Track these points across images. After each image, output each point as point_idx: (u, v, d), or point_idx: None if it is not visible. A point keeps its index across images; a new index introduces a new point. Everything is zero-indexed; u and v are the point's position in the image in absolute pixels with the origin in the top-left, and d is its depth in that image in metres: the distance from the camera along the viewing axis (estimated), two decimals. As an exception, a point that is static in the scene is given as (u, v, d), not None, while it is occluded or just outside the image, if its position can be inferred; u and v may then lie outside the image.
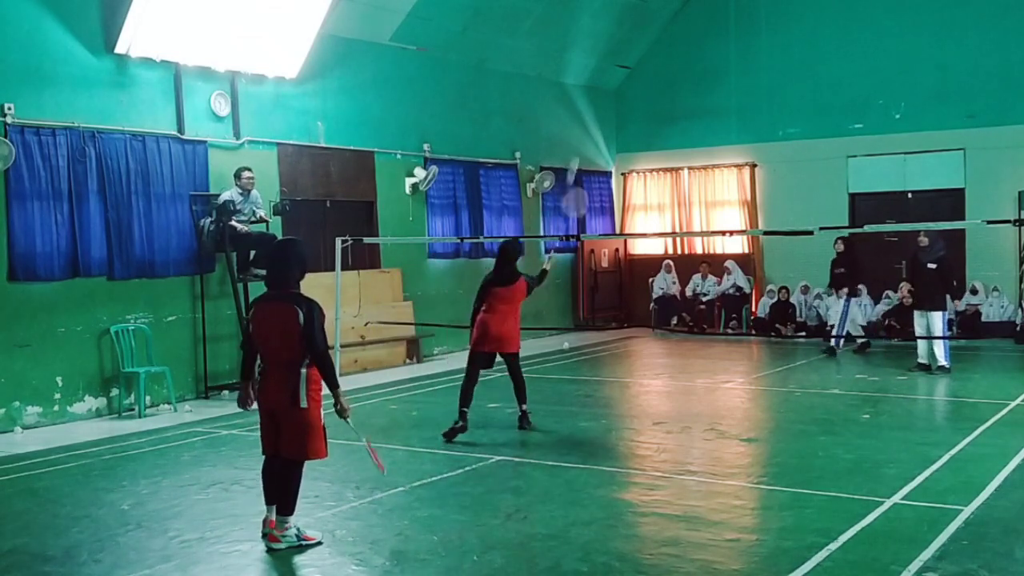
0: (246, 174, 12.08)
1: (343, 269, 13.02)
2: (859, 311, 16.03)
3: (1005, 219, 14.29)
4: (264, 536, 6.08)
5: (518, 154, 17.85)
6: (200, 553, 6.01)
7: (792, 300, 17.29)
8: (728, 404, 11.21)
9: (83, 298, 10.95)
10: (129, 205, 11.34)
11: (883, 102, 17.69)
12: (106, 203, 11.11)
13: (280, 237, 12.06)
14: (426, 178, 15.43)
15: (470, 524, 6.43)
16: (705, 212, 19.64)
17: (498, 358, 9.55)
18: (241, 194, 12.03)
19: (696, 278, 18.61)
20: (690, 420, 9.93)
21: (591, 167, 19.94)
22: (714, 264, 18.70)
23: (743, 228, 18.84)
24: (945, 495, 6.80)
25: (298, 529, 6.09)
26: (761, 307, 17.88)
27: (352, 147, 14.49)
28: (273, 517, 6.10)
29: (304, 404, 5.96)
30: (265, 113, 13.13)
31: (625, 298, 20.11)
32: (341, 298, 12.67)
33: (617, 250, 20.17)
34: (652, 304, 18.70)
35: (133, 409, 11.08)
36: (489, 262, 10.58)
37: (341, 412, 6.15)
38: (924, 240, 12.91)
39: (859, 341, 15.17)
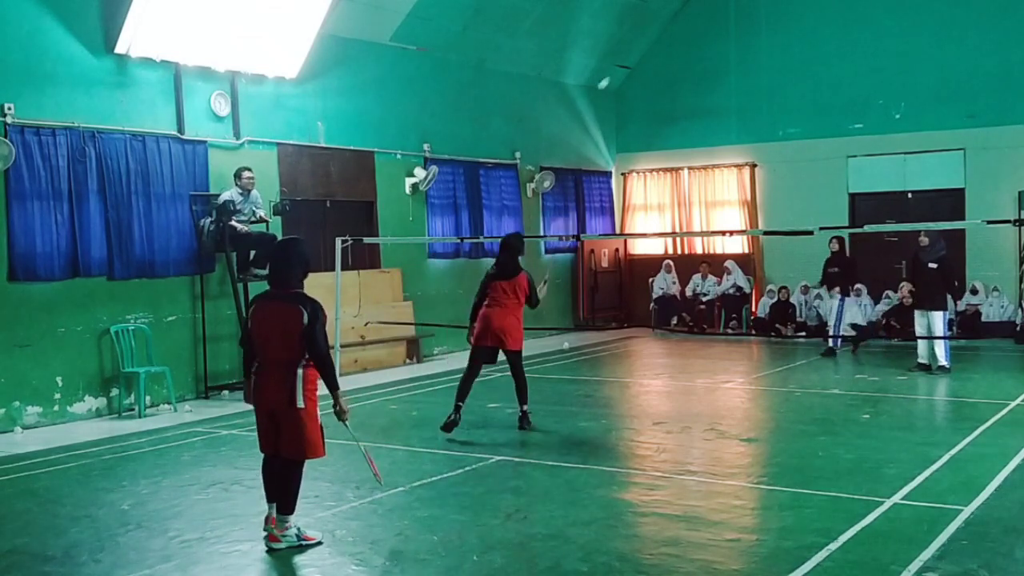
0: (246, 174, 12.08)
1: (343, 269, 13.02)
2: (859, 311, 16.04)
3: (1005, 219, 14.31)
4: (266, 534, 6.08)
5: (518, 154, 17.85)
6: (200, 553, 6.01)
7: (792, 300, 17.29)
8: (728, 404, 11.21)
9: (83, 298, 10.95)
10: (129, 205, 11.34)
11: (883, 102, 17.69)
12: (106, 203, 11.11)
13: (280, 237, 12.07)
14: (426, 178, 15.43)
15: (470, 524, 6.43)
16: (705, 212, 19.64)
17: (501, 356, 9.56)
18: (241, 194, 12.03)
19: (696, 278, 18.61)
20: (690, 420, 9.93)
21: (591, 167, 19.95)
22: (714, 264, 18.70)
23: (743, 228, 18.84)
24: (945, 495, 6.80)
25: (298, 529, 6.09)
26: (761, 307, 17.88)
27: (352, 147, 14.49)
28: (274, 515, 6.11)
29: (301, 404, 5.96)
30: (265, 113, 13.13)
31: (625, 298, 20.11)
32: (341, 298, 12.68)
33: (617, 250, 20.17)
34: (652, 304, 18.70)
35: (133, 409, 11.08)
36: (489, 262, 10.57)
37: (340, 414, 6.14)
38: (924, 240, 12.91)
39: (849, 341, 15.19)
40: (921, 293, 12.98)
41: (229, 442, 9.33)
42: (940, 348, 12.60)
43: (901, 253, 16.46)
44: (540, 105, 18.50)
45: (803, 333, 16.71)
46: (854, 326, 15.58)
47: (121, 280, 11.30)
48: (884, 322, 15.92)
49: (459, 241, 15.86)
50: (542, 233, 18.47)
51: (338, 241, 12.72)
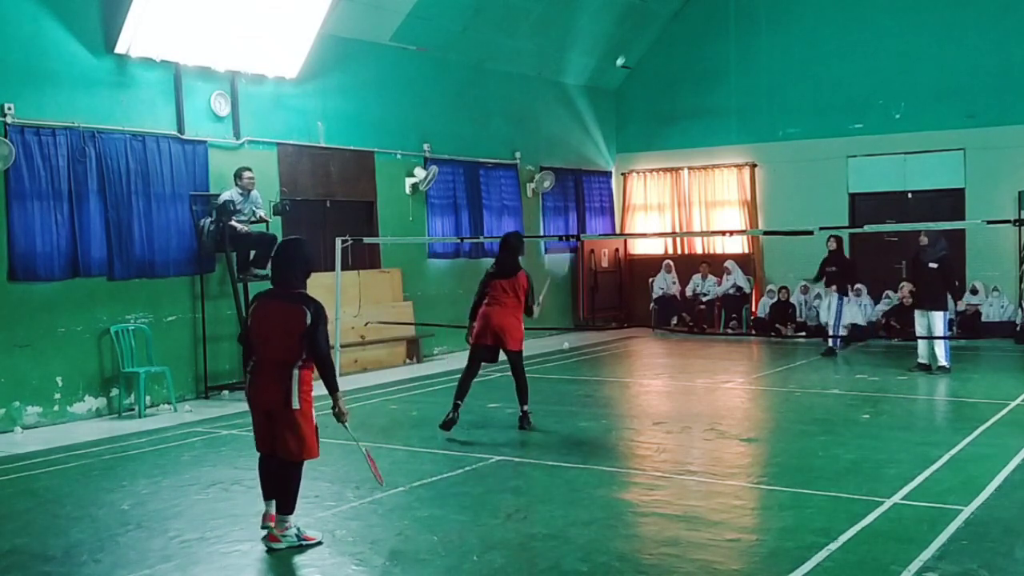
0: (247, 174, 12.08)
1: (343, 269, 13.02)
2: (859, 311, 16.04)
3: (1005, 219, 14.31)
4: (264, 532, 6.09)
5: (518, 154, 17.85)
6: (200, 553, 6.01)
7: (792, 300, 17.29)
8: (728, 404, 11.21)
9: (83, 298, 10.96)
10: (129, 205, 11.34)
11: (883, 102, 17.69)
12: (106, 203, 11.11)
13: (280, 237, 12.08)
14: (426, 178, 15.43)
15: (470, 524, 6.43)
16: (705, 212, 19.64)
17: (501, 356, 9.55)
18: (241, 194, 12.03)
19: (696, 278, 18.61)
20: (690, 420, 9.93)
21: (591, 167, 19.95)
22: (714, 264, 18.70)
23: (743, 228, 18.84)
24: (945, 495, 6.80)
25: (298, 529, 6.09)
26: (761, 307, 17.88)
27: (352, 147, 14.49)
28: (273, 512, 6.12)
29: (297, 405, 5.96)
30: (265, 113, 13.13)
31: (625, 298, 20.11)
32: (341, 298, 12.68)
33: (617, 250, 20.17)
34: (652, 304, 18.70)
35: (133, 409, 11.08)
36: (489, 262, 10.58)
37: (339, 416, 6.15)
38: (925, 240, 12.91)
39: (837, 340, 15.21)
40: (921, 293, 12.98)
41: (229, 442, 9.33)
42: (940, 348, 12.60)
43: (901, 253, 16.48)
44: (540, 105, 18.50)
45: (803, 333, 16.71)
46: (854, 326, 15.59)
47: (121, 280, 11.30)
48: (884, 322, 15.93)
49: (459, 241, 15.86)
50: (542, 233, 18.48)
51: (338, 241, 12.72)
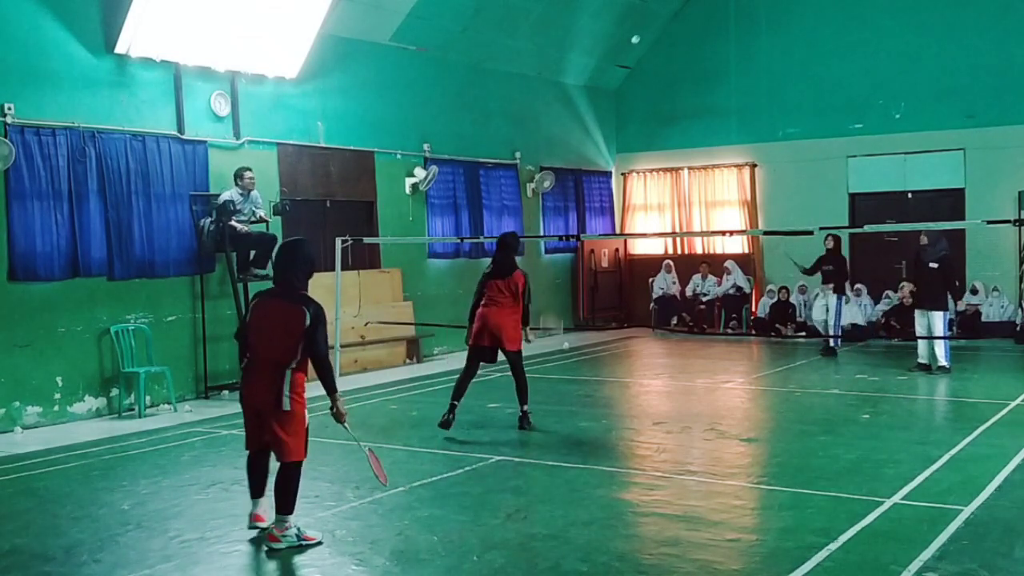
0: (247, 174, 12.07)
1: (343, 269, 13.03)
2: (859, 311, 16.04)
3: (1005, 219, 14.31)
4: (254, 532, 6.10)
5: (518, 154, 17.86)
6: (200, 553, 6.01)
7: (792, 300, 17.29)
8: (728, 404, 11.21)
9: (83, 298, 10.96)
10: (129, 205, 11.34)
11: (883, 102, 17.70)
12: (106, 203, 11.11)
13: (280, 237, 12.10)
14: (426, 178, 15.43)
15: (470, 524, 6.43)
16: (705, 212, 19.64)
17: (500, 357, 9.55)
18: (241, 194, 12.03)
19: (696, 278, 18.61)
20: (690, 420, 9.93)
21: (591, 167, 19.95)
22: (714, 264, 18.70)
23: (743, 228, 18.84)
24: (945, 495, 6.80)
25: (298, 529, 6.09)
26: (761, 307, 17.88)
27: (352, 147, 14.49)
28: (258, 511, 6.15)
29: (287, 407, 5.97)
30: (265, 113, 13.13)
31: (625, 298, 20.11)
32: (341, 298, 12.68)
33: (617, 250, 20.17)
34: (652, 304, 18.70)
35: (133, 409, 11.08)
36: (489, 262, 10.57)
37: (338, 416, 6.16)
38: (925, 239, 12.90)
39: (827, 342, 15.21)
40: (922, 293, 12.98)
41: (229, 442, 9.32)
42: (940, 348, 12.60)
43: (901, 253, 16.48)
44: (540, 105, 18.51)
45: (803, 333, 16.71)
46: (854, 326, 15.58)
47: (121, 280, 11.30)
48: (884, 322, 15.93)
49: (459, 241, 15.86)
50: (542, 233, 18.48)
51: (338, 241, 12.72)
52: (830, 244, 14.88)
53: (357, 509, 6.87)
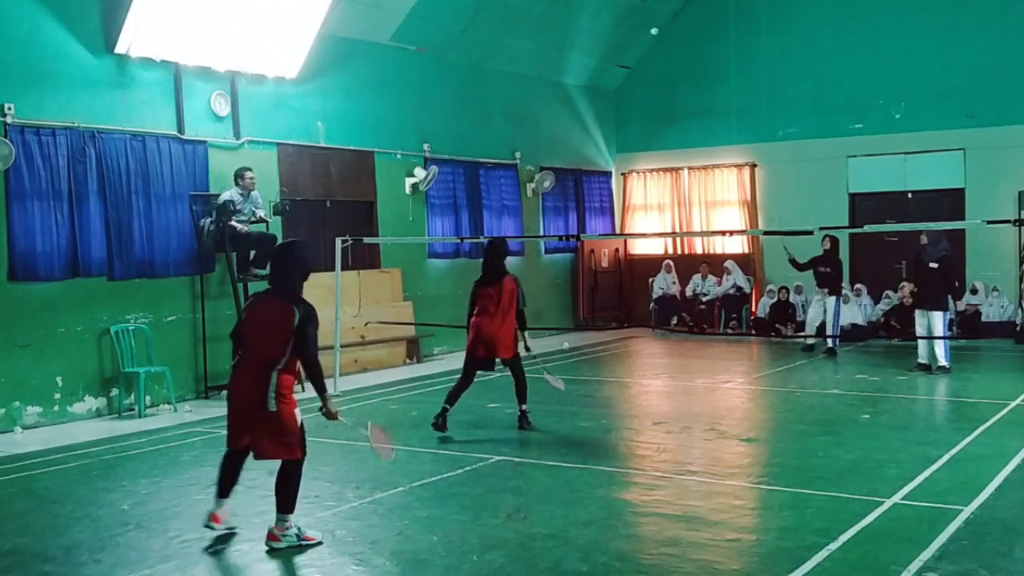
0: (248, 175, 12.07)
1: (343, 269, 13.02)
2: (858, 311, 16.03)
3: (1005, 219, 14.30)
4: (212, 532, 6.18)
5: (518, 154, 17.85)
6: (200, 553, 6.01)
7: (792, 300, 17.29)
8: (728, 404, 11.21)
9: (83, 298, 10.95)
10: (129, 205, 11.34)
11: (883, 102, 17.69)
12: (106, 203, 11.11)
13: (280, 237, 12.10)
14: (426, 178, 15.43)
15: (470, 524, 6.43)
16: (705, 212, 19.64)
17: (498, 363, 9.57)
18: (241, 194, 12.03)
19: (696, 278, 18.61)
20: (690, 420, 9.93)
21: (591, 167, 19.95)
22: (714, 264, 18.70)
23: (743, 228, 18.84)
24: (945, 495, 6.80)
25: (298, 529, 6.09)
26: (761, 307, 17.88)
27: (352, 147, 14.49)
28: (218, 511, 6.20)
29: (273, 408, 5.97)
30: (265, 113, 13.13)
31: (625, 298, 20.11)
32: (341, 298, 12.67)
33: (617, 250, 20.17)
34: (652, 304, 18.70)
35: (133, 409, 11.08)
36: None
37: (328, 415, 6.18)
38: (925, 239, 12.90)
39: (810, 341, 15.17)
40: (922, 293, 12.97)
41: (229, 442, 9.32)
42: (940, 348, 12.59)
43: (901, 253, 16.48)
44: (540, 105, 18.50)
45: (803, 333, 16.69)
46: (854, 326, 15.58)
47: (121, 280, 11.30)
48: (884, 322, 15.92)
49: (459, 241, 15.85)
50: (542, 233, 18.48)
51: (338, 241, 12.72)
52: (827, 245, 14.86)
53: (357, 509, 6.87)
